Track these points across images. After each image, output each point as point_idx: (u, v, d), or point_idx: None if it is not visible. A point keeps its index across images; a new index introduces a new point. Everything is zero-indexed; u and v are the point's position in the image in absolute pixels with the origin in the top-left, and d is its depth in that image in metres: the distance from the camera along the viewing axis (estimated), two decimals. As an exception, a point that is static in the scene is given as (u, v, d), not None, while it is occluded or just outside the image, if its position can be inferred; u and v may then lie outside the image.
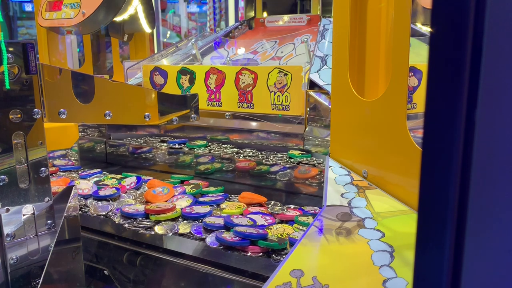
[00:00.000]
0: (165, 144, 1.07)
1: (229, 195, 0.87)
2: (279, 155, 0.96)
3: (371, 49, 0.68)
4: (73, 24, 1.01)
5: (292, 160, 0.91)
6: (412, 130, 0.58)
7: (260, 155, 0.97)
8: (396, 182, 0.60)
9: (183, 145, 1.05)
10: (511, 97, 0.22)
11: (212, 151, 1.01)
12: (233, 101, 1.01)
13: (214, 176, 0.99)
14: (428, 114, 0.23)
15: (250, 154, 0.97)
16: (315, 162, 0.89)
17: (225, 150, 1.00)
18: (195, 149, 1.02)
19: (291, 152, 0.95)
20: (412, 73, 0.94)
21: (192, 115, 0.76)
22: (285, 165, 0.90)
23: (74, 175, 1.02)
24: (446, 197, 0.23)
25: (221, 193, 0.87)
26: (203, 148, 1.03)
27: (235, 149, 1.01)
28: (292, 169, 0.89)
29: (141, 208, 0.79)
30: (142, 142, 1.12)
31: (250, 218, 0.73)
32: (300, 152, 0.94)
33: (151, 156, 1.08)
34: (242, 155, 0.96)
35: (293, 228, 0.71)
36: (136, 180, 0.94)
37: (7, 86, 0.57)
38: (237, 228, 0.67)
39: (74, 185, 0.68)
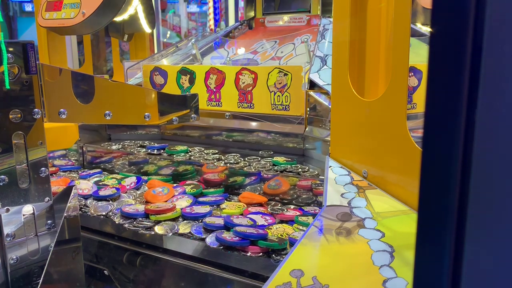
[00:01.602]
0: (144, 150, 1.03)
1: (229, 195, 0.87)
2: (263, 162, 0.91)
3: (371, 49, 0.68)
4: (73, 24, 1.01)
5: (275, 167, 0.86)
6: (412, 130, 0.58)
7: (242, 161, 0.91)
8: (396, 182, 0.60)
9: (162, 151, 1.01)
10: (511, 97, 0.22)
11: (192, 157, 0.96)
12: (233, 101, 1.01)
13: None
14: (428, 114, 0.23)
15: (232, 161, 0.92)
16: (300, 170, 0.84)
17: (205, 157, 0.95)
18: (174, 155, 0.98)
19: (275, 159, 0.91)
20: (412, 73, 0.94)
21: (192, 115, 0.76)
22: (267, 173, 0.84)
23: (74, 175, 1.02)
24: (446, 197, 0.23)
25: (221, 194, 0.87)
26: (183, 154, 0.98)
27: (217, 155, 0.96)
28: (263, 181, 0.84)
29: (141, 208, 0.79)
30: (120, 147, 1.07)
31: (250, 218, 0.73)
32: (284, 159, 0.90)
33: (110, 167, 1.05)
34: (223, 162, 0.91)
35: (293, 228, 0.71)
36: (136, 180, 0.94)
37: (7, 86, 0.57)
38: (237, 228, 0.67)
39: (74, 185, 0.68)
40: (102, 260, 0.78)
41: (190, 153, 0.99)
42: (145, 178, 0.97)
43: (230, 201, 0.84)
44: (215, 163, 0.91)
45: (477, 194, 0.22)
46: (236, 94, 1.00)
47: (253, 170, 0.86)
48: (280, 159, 0.91)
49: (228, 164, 0.90)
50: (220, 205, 0.81)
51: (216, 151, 1.00)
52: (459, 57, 0.21)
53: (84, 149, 1.09)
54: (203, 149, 1.02)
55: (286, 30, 1.20)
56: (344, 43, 0.66)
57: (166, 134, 1.15)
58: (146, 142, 1.11)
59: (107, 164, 1.06)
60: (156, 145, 1.05)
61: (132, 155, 1.03)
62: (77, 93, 0.64)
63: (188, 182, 0.92)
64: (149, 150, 1.02)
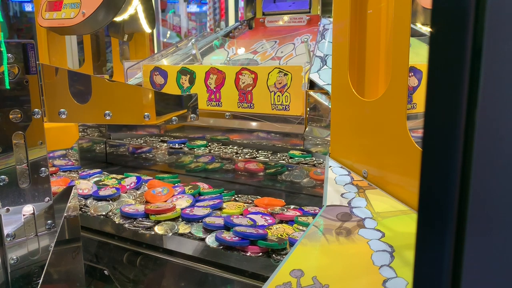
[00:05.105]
0: (165, 144, 1.08)
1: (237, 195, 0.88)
2: (278, 155, 0.96)
3: (371, 49, 0.68)
4: (73, 24, 1.01)
5: (290, 160, 0.91)
6: (412, 130, 0.58)
7: (260, 156, 0.96)
8: (396, 182, 0.60)
9: (183, 145, 1.06)
10: (511, 97, 0.22)
11: (212, 151, 1.01)
12: (233, 101, 1.01)
13: (212, 176, 0.99)
14: (428, 114, 0.23)
15: (248, 156, 0.96)
16: (315, 162, 0.89)
17: (224, 150, 1.00)
18: (195, 149, 1.03)
19: (291, 152, 0.95)
20: (412, 73, 0.94)
21: (191, 115, 0.76)
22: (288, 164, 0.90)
23: (74, 175, 1.02)
24: (446, 197, 0.22)
25: (219, 195, 0.87)
26: (203, 148, 1.04)
27: (234, 149, 1.01)
28: (293, 169, 0.89)
29: (141, 208, 0.79)
30: (142, 142, 1.12)
31: (250, 218, 0.73)
32: (300, 152, 0.94)
33: (151, 156, 1.08)
34: (240, 156, 0.96)
35: (293, 228, 0.71)
36: (136, 180, 0.94)
37: (7, 86, 0.57)
38: (237, 228, 0.67)
39: (74, 185, 0.68)
40: (102, 260, 0.78)
41: (209, 147, 1.04)
42: (146, 178, 0.97)
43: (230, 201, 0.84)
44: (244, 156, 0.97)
45: (477, 194, 0.22)
46: (236, 94, 1.00)
47: (272, 163, 0.92)
48: (296, 152, 0.95)
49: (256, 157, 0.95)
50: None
51: (233, 146, 1.04)
52: (459, 57, 0.21)
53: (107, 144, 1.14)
54: (221, 143, 1.07)
55: (286, 30, 1.20)
56: (344, 43, 0.66)
57: (164, 134, 1.16)
58: (144, 139, 1.15)
59: (148, 154, 1.09)
60: (176, 140, 1.10)
61: (158, 148, 1.07)
62: (76, 93, 0.64)
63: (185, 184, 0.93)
64: (170, 145, 1.06)
